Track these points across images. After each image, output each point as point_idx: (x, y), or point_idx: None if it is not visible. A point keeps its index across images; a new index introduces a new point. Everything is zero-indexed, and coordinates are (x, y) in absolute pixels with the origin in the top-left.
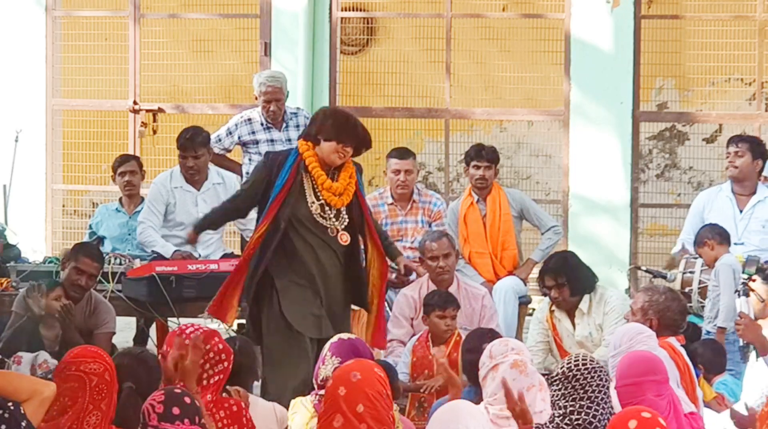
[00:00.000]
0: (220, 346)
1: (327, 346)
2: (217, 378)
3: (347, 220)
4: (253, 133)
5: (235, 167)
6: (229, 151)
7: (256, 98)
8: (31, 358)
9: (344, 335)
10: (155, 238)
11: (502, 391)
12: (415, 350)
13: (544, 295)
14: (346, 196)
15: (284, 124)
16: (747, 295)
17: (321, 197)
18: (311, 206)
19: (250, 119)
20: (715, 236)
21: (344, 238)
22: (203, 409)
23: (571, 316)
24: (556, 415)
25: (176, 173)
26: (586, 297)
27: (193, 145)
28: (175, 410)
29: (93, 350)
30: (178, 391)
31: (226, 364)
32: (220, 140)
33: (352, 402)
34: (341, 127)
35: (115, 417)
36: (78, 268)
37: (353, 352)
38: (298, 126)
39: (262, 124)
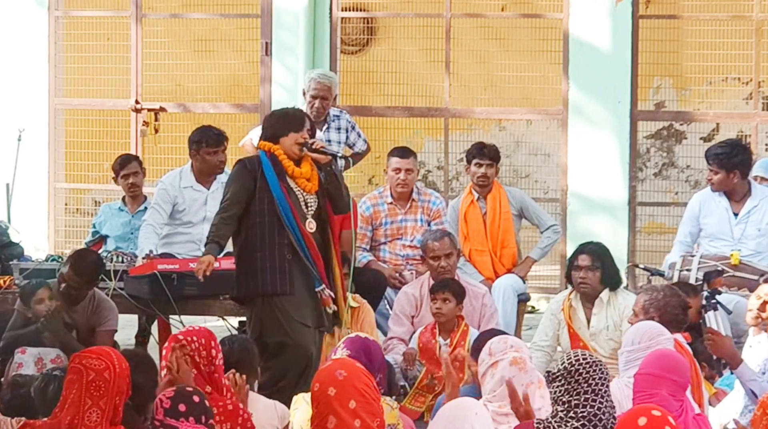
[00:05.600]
0: (212, 344)
1: (342, 340)
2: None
3: (314, 209)
4: None
5: None
6: None
7: (304, 94)
8: (36, 352)
9: (362, 334)
10: (144, 238)
11: (502, 387)
12: (422, 336)
13: (567, 278)
14: (313, 181)
15: (326, 125)
16: (715, 309)
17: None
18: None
19: None
20: None
21: (311, 226)
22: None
23: (588, 308)
24: (560, 410)
25: (186, 173)
26: (607, 290)
27: (223, 140)
28: (182, 407)
29: (105, 350)
30: (190, 389)
31: (220, 360)
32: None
33: (344, 399)
34: (288, 118)
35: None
36: (63, 277)
37: (363, 349)
38: (339, 128)
39: None
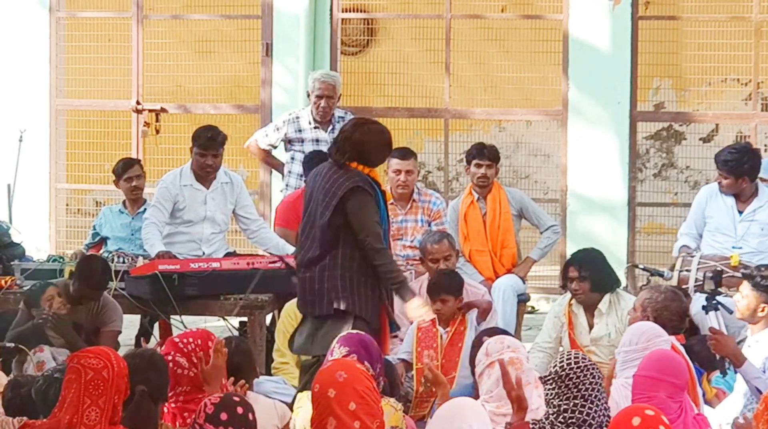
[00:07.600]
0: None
1: (336, 339)
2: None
3: None
4: (300, 131)
5: (278, 166)
6: (275, 147)
7: (309, 95)
8: (52, 351)
9: (354, 331)
10: (151, 236)
11: (499, 388)
12: (420, 326)
13: (563, 287)
14: None
15: (331, 126)
16: (716, 309)
17: None
18: None
19: (298, 117)
20: None
21: None
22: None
23: (589, 314)
24: (551, 413)
25: (186, 171)
26: (607, 297)
27: (215, 145)
28: (223, 415)
29: (103, 349)
30: (237, 399)
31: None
32: (267, 136)
33: (343, 402)
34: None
35: (127, 419)
36: (75, 290)
37: (361, 344)
38: None
39: (309, 123)
